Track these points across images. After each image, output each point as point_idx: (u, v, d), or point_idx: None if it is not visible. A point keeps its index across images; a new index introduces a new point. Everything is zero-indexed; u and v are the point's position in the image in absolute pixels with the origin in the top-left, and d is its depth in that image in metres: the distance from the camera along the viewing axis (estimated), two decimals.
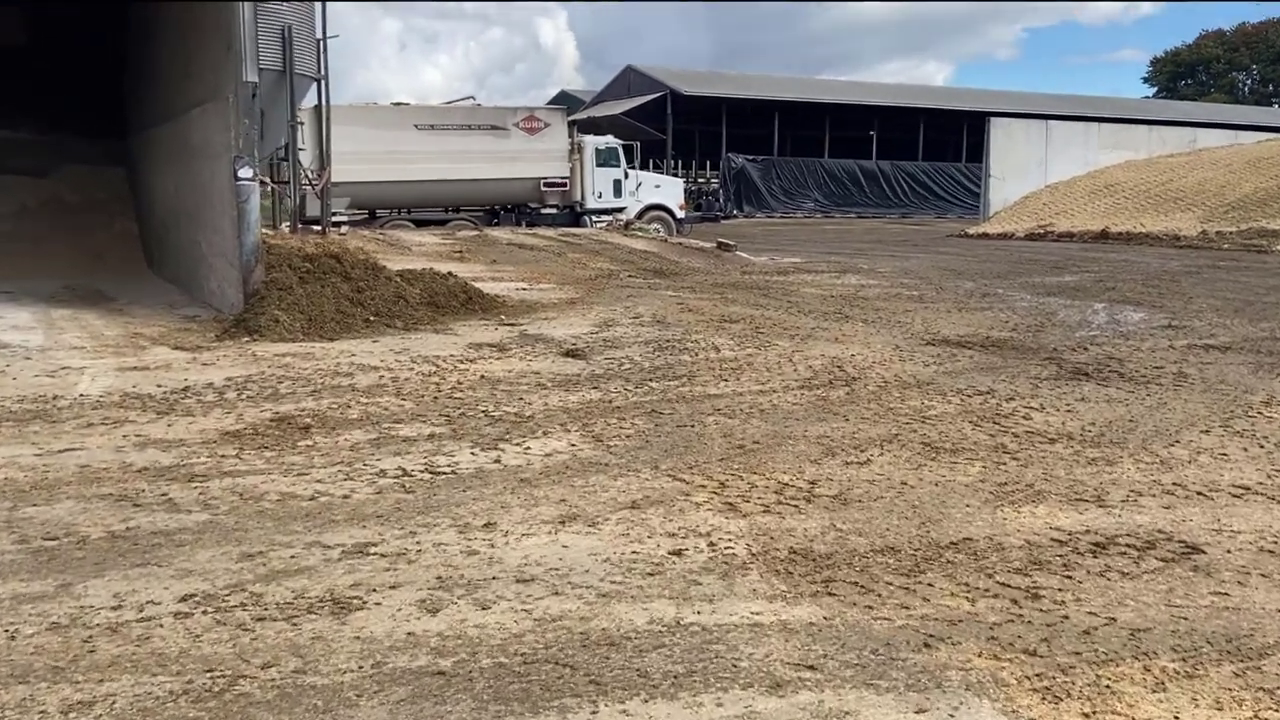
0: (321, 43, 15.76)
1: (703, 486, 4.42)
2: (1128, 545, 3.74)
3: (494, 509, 4.09)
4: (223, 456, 4.81)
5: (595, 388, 6.56)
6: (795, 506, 4.16)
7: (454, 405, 5.97)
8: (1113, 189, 27.24)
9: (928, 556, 3.60)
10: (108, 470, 4.55)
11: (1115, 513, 4.11)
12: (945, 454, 4.96)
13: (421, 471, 4.60)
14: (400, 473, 4.57)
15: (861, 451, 5.00)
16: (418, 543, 3.69)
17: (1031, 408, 5.98)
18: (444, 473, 4.59)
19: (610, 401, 6.14)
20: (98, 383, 6.48)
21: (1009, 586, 3.34)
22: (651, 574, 3.42)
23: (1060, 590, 3.32)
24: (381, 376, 6.82)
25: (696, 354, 7.89)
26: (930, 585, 3.34)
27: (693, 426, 5.51)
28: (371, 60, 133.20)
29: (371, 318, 9.19)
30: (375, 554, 3.57)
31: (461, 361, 7.44)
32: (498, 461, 4.79)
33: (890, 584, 3.35)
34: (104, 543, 3.64)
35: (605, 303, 11.20)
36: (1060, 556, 3.62)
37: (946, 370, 7.22)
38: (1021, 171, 28.75)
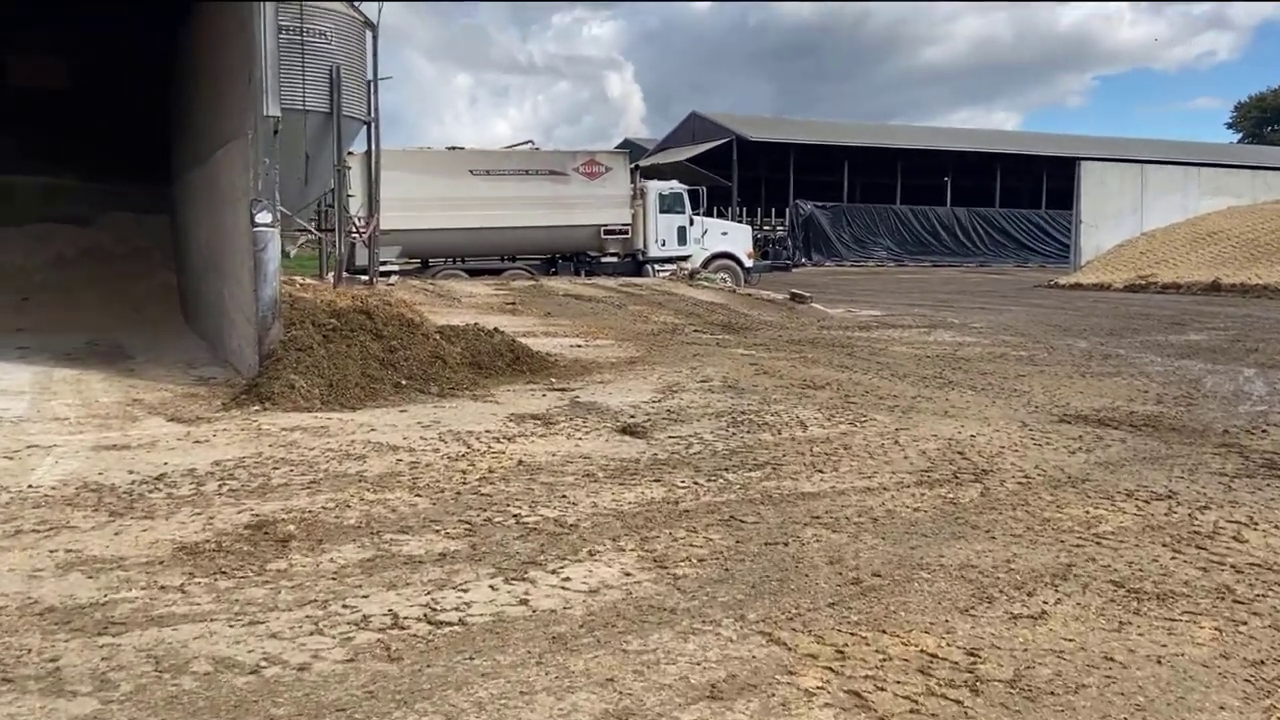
0: (372, 84, 15.07)
1: (811, 656, 3.07)
2: None
3: (509, 695, 2.79)
4: (163, 588, 3.61)
5: (657, 479, 5.26)
6: (956, 702, 2.78)
7: (479, 505, 4.72)
8: (1217, 237, 25.25)
9: None
10: (2, 611, 3.37)
11: None
12: (1150, 602, 3.53)
13: (418, 620, 3.33)
14: (389, 622, 3.31)
15: (1028, 594, 3.59)
16: None
17: (1238, 522, 4.50)
18: (448, 623, 3.31)
19: (676, 502, 4.83)
20: (60, 467, 5.39)
21: None
22: None
23: None
24: (399, 461, 5.62)
25: (779, 431, 6.56)
26: None
27: (786, 544, 4.16)
28: (444, 114, 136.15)
29: (403, 382, 8.05)
30: None
31: (498, 440, 6.22)
32: (524, 602, 3.50)
33: None
34: None
35: (669, 363, 9.94)
36: None
37: (1099, 460, 5.75)
38: (1115, 218, 26.88)
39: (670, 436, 6.38)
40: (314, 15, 13.68)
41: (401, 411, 7.19)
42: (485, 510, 4.64)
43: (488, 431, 6.47)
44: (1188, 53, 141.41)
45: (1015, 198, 47.68)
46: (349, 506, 4.68)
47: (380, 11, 14.80)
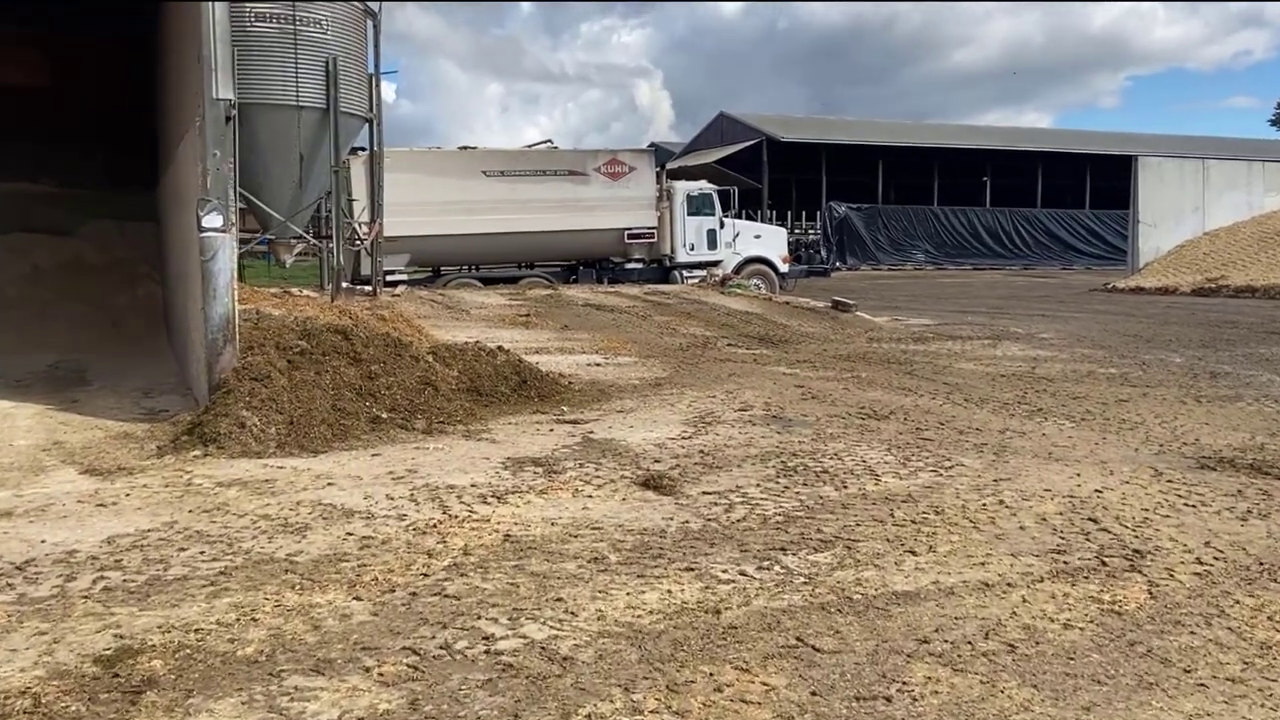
0: (374, 78, 13.79)
1: None
2: None
3: None
4: None
5: (690, 566, 3.86)
6: None
7: (439, 617, 3.34)
8: None
9: None
10: None
11: None
12: None
13: None
14: None
15: None
16: None
17: None
18: None
19: (717, 610, 3.42)
20: None
21: None
22: None
23: None
24: (348, 535, 4.27)
25: (844, 484, 5.14)
26: None
27: (888, 700, 2.75)
28: (475, 123, 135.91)
29: (383, 415, 6.72)
30: None
31: (484, 498, 4.85)
32: None
33: None
34: None
35: (700, 384, 8.54)
36: None
37: None
38: (1176, 217, 25.06)
39: (705, 492, 4.98)
40: (309, 4, 12.45)
41: (374, 455, 5.85)
42: (445, 626, 3.26)
43: (473, 485, 5.11)
44: (1223, 51, 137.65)
45: (1057, 197, 45.72)
46: (255, 620, 3.32)
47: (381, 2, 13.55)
